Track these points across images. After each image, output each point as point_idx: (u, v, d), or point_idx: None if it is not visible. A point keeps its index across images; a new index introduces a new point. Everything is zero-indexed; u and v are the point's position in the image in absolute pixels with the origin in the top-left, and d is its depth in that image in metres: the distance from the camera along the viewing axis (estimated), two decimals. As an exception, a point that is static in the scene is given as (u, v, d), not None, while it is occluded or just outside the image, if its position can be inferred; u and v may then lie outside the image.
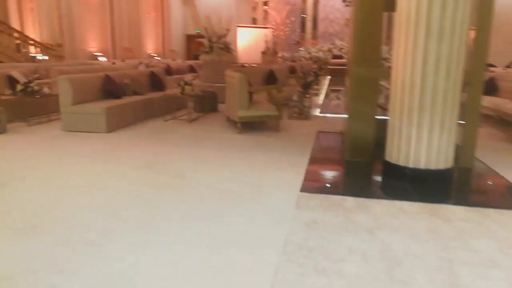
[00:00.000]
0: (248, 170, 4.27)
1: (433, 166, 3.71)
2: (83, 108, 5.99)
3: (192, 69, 16.37)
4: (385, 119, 4.39)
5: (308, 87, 8.07)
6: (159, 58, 22.94)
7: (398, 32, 3.76)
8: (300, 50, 26.46)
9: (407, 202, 3.34)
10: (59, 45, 13.27)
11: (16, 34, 12.05)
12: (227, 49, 10.53)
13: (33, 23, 14.37)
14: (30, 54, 12.49)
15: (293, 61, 26.19)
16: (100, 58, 17.92)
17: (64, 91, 5.98)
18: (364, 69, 4.57)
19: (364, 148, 4.69)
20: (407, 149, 3.77)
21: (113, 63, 14.58)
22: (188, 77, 7.26)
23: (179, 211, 3.12)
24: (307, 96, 8.22)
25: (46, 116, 6.94)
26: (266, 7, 28.23)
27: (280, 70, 9.88)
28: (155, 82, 8.41)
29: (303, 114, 7.76)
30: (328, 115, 8.43)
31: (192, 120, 7.23)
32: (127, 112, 6.56)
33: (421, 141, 3.69)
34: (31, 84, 6.47)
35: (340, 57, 25.71)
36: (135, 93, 7.46)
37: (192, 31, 27.65)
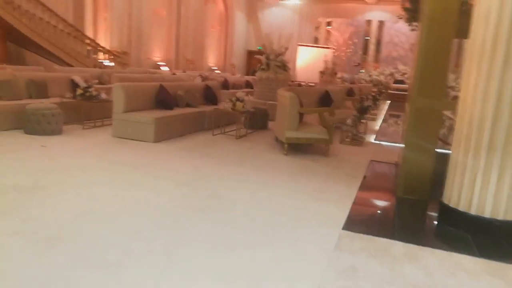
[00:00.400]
0: (288, 197, 3.99)
1: (500, 216, 3.22)
2: (133, 116, 6.06)
3: (248, 85, 16.45)
4: (446, 154, 3.95)
5: (364, 111, 7.66)
6: (219, 71, 23.42)
7: (470, 61, 3.35)
8: (361, 72, 25.83)
9: (467, 257, 2.89)
10: (125, 53, 13.89)
11: (88, 41, 12.80)
12: (284, 67, 10.38)
13: (105, 31, 15.23)
14: (99, 60, 13.19)
15: (352, 83, 25.62)
16: (162, 68, 18.61)
17: (118, 98, 6.10)
18: (427, 99, 4.15)
19: (420, 184, 4.24)
20: (470, 193, 3.32)
21: (173, 73, 15.00)
22: (240, 93, 7.16)
23: (207, 237, 2.91)
24: (363, 121, 7.80)
25: (100, 120, 7.14)
26: (329, 27, 28.01)
27: (336, 92, 9.54)
28: (209, 95, 8.42)
29: (356, 139, 7.35)
30: (383, 142, 7.94)
31: (240, 137, 7.10)
32: (176, 124, 6.56)
33: (488, 185, 3.23)
34: (90, 89, 6.69)
35: (402, 82, 24.75)
36: (188, 105, 7.49)
37: (254, 47, 28.05)
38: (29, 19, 11.08)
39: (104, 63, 13.39)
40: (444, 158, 3.80)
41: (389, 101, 20.84)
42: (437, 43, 4.08)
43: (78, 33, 12.42)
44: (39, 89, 6.87)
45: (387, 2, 24.65)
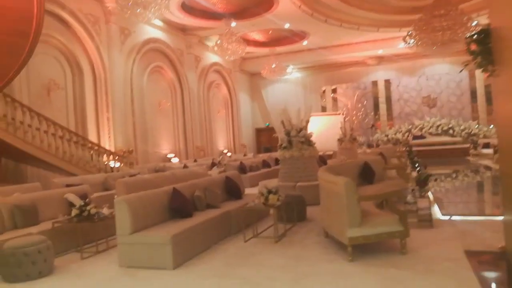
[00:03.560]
0: None
1: None
2: (144, 237, 4.65)
3: (266, 164, 15.23)
4: None
5: (425, 182, 6.20)
6: (230, 154, 22.44)
7: None
8: (376, 133, 24.74)
9: None
10: (130, 152, 12.90)
11: (90, 145, 11.88)
12: (308, 142, 9.15)
13: (108, 132, 14.48)
14: (105, 162, 12.19)
15: (369, 146, 24.43)
16: (172, 160, 17.60)
17: (121, 216, 4.75)
18: None
19: None
20: None
21: (185, 166, 13.88)
22: (272, 182, 5.82)
23: None
24: (424, 194, 6.30)
25: (104, 240, 5.72)
26: (333, 94, 27.54)
27: (376, 162, 8.17)
28: (231, 188, 7.07)
29: (425, 220, 5.80)
30: (456, 217, 6.36)
31: (279, 238, 5.59)
32: (198, 236, 5.11)
33: None
34: (88, 207, 5.38)
35: (421, 137, 23.50)
36: (208, 206, 6.11)
37: (261, 124, 27.43)
38: (25, 132, 10.23)
39: (110, 165, 12.34)
40: None
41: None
42: None
43: (79, 137, 11.52)
44: (26, 216, 5.58)
45: (389, 61, 24.39)
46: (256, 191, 9.28)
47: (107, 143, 14.00)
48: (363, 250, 4.59)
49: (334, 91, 27.40)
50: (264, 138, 27.74)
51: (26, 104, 10.63)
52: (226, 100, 24.50)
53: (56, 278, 4.51)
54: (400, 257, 4.42)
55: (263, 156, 18.64)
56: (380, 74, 25.62)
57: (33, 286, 4.26)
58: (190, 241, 4.91)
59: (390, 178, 8.46)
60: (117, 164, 12.67)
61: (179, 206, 5.42)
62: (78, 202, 5.42)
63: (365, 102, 26.61)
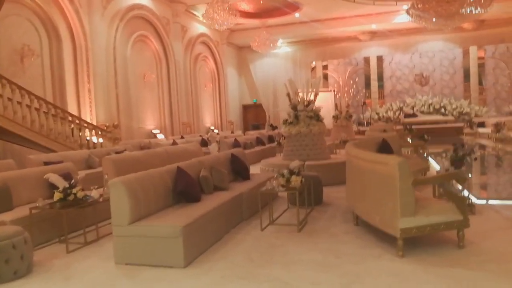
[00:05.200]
0: None
1: None
2: (146, 228, 3.76)
3: (260, 141, 14.37)
4: None
5: (461, 163, 5.46)
6: (217, 131, 21.46)
7: None
8: (367, 111, 24.13)
9: None
10: (115, 127, 11.79)
11: (70, 118, 10.70)
12: (317, 117, 8.31)
13: (90, 105, 13.28)
14: (86, 138, 11.07)
15: (360, 123, 23.84)
16: (158, 136, 16.54)
17: (117, 202, 3.83)
18: None
19: None
20: None
21: (174, 142, 12.89)
22: (295, 163, 4.98)
23: None
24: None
25: (94, 227, 4.81)
26: (324, 71, 26.63)
27: (393, 139, 7.40)
28: (238, 168, 6.21)
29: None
30: (495, 201, 5.70)
31: (302, 226, 4.79)
32: (210, 225, 4.25)
33: None
34: (74, 190, 4.42)
35: (413, 115, 23.01)
36: (216, 188, 5.24)
37: (249, 100, 26.42)
38: (-5, 102, 9.03)
39: (92, 141, 11.23)
40: None
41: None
42: None
43: (58, 110, 10.34)
44: (-3, 200, 4.59)
45: (382, 37, 23.52)
46: (257, 170, 8.53)
47: (88, 117, 12.82)
48: (409, 243, 3.82)
49: (325, 67, 26.51)
50: (251, 115, 26.80)
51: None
52: (213, 74, 23.31)
53: (36, 280, 3.58)
54: (459, 252, 3.68)
55: (254, 133, 17.77)
56: (373, 50, 24.80)
57: (7, 291, 3.34)
58: (202, 232, 4.05)
59: (406, 157, 7.75)
60: (100, 140, 11.57)
61: (186, 189, 4.53)
62: (61, 183, 4.46)
63: (357, 79, 25.87)
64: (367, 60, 25.52)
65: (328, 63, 26.49)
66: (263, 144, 14.31)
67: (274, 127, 22.87)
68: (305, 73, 25.78)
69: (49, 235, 4.71)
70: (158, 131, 17.13)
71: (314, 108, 8.27)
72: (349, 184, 5.00)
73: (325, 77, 26.20)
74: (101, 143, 11.45)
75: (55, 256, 4.19)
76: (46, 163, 7.56)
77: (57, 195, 4.35)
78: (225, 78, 23.95)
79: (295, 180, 4.74)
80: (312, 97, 8.49)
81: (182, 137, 15.80)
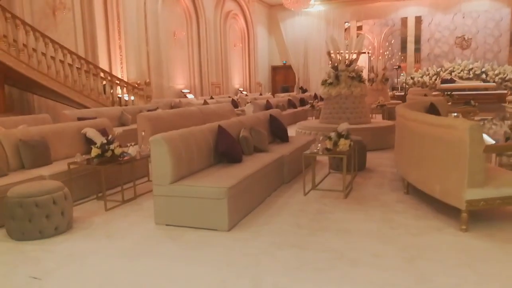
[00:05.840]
0: None
1: None
2: (189, 188, 3.55)
3: (291, 104, 13.96)
4: None
5: (524, 131, 4.98)
6: (245, 92, 21.08)
7: None
8: (401, 75, 23.07)
9: None
10: (147, 84, 11.60)
11: (102, 75, 10.55)
12: (359, 78, 7.82)
13: (121, 61, 13.09)
14: (118, 95, 10.96)
15: (393, 88, 22.88)
16: (188, 96, 16.34)
17: (159, 160, 3.62)
18: None
19: None
20: None
21: (205, 102, 12.66)
22: (343, 125, 4.64)
23: None
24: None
25: (131, 184, 4.70)
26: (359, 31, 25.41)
27: (441, 103, 6.89)
28: (277, 129, 5.92)
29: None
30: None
31: (348, 191, 4.51)
32: (253, 187, 4.03)
33: None
34: (111, 147, 4.26)
35: (450, 81, 21.85)
36: (255, 149, 4.98)
37: (278, 61, 25.67)
38: (29, 56, 8.91)
39: (124, 98, 11.11)
40: None
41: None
42: None
43: (90, 66, 10.18)
44: (35, 154, 4.48)
45: (422, -5, 21.99)
46: (291, 132, 8.22)
47: (119, 74, 12.68)
48: (471, 216, 3.48)
49: (359, 28, 25.27)
50: (280, 76, 26.10)
51: (28, 23, 9.17)
52: (243, 33, 22.62)
53: (77, 236, 3.48)
54: (530, 228, 3.33)
55: (285, 95, 17.31)
56: (411, 10, 23.30)
57: (48, 246, 3.25)
58: (245, 194, 3.83)
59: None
60: (132, 98, 11.44)
61: (228, 149, 4.28)
62: (99, 139, 4.29)
63: (392, 41, 24.61)
64: (404, 21, 24.10)
65: (363, 24, 25.22)
66: (295, 106, 13.90)
67: (304, 90, 22.26)
68: (338, 33, 24.66)
69: (86, 191, 4.61)
70: (188, 91, 16.90)
71: (356, 68, 7.77)
72: (400, 150, 4.64)
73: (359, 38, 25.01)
74: (132, 100, 11.33)
75: (93, 213, 4.09)
76: (80, 119, 7.49)
77: (94, 151, 4.19)
78: (255, 37, 23.23)
79: (344, 144, 4.42)
80: (354, 57, 7.98)
81: (211, 98, 15.55)
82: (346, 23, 24.77)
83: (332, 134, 4.54)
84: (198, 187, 3.53)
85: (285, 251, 3.02)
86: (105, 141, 4.27)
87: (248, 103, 9.21)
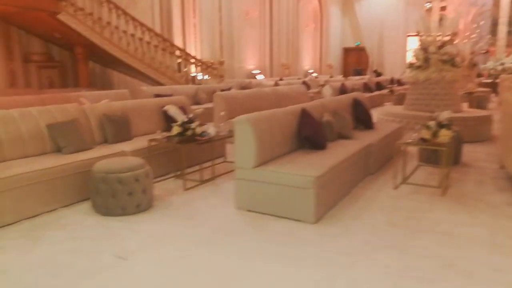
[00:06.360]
0: None
1: None
2: (274, 174, 3.30)
3: (367, 88, 13.19)
4: None
5: None
6: (316, 74, 20.42)
7: None
8: (488, 61, 20.93)
9: None
10: (221, 63, 11.54)
11: (178, 53, 10.66)
12: (452, 61, 7.04)
13: (195, 40, 13.18)
14: (192, 74, 11.04)
15: (479, 75, 20.90)
16: (258, 77, 16.14)
17: (243, 142, 3.40)
18: None
19: None
20: None
21: (276, 83, 12.35)
22: (445, 114, 4.11)
23: None
24: None
25: (209, 164, 4.59)
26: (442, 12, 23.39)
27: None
28: (361, 115, 5.46)
29: None
30: None
31: (445, 187, 4.01)
32: (340, 177, 3.69)
33: None
34: (192, 125, 4.13)
35: (548, 68, 19.40)
36: (340, 137, 4.61)
37: (351, 43, 24.54)
38: (111, 33, 9.18)
39: (197, 77, 11.18)
40: None
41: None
42: None
43: (167, 44, 10.30)
44: (117, 128, 4.50)
45: (521, -30, 19.58)
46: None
47: (193, 53, 12.77)
48: None
49: (443, 8, 23.26)
50: (353, 59, 24.93)
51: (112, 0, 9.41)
52: (315, 13, 21.85)
53: (158, 215, 3.41)
54: None
55: (358, 79, 16.47)
56: (506, -12, 20.98)
57: (130, 224, 3.20)
58: (332, 184, 3.51)
59: None
60: (205, 77, 11.47)
61: (313, 134, 3.97)
62: (180, 117, 4.18)
63: (482, 22, 22.37)
64: (496, 0, 21.77)
65: (448, 3, 23.15)
66: (371, 91, 13.12)
67: (378, 74, 21.11)
68: (418, 14, 22.89)
69: (164, 169, 4.56)
70: (259, 72, 16.71)
71: (449, 50, 6.99)
72: (509, 143, 4.02)
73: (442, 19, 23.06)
74: (205, 79, 11.36)
75: (173, 192, 4.02)
76: (157, 96, 7.56)
77: (176, 129, 4.09)
78: (328, 17, 22.34)
79: (445, 135, 3.91)
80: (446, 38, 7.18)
81: (281, 79, 15.22)
82: (428, 4, 22.91)
83: (431, 123, 4.03)
84: (283, 173, 3.27)
85: (382, 254, 2.68)
86: (186, 119, 4.15)
87: (322, 85, 8.74)
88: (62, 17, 7.97)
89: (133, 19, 9.56)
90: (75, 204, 3.65)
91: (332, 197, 3.52)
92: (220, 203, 3.70)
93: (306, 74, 20.31)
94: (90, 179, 3.43)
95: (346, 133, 4.70)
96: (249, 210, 3.45)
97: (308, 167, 3.32)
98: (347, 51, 25.11)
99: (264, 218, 3.31)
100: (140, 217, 3.36)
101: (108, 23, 9.19)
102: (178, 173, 4.48)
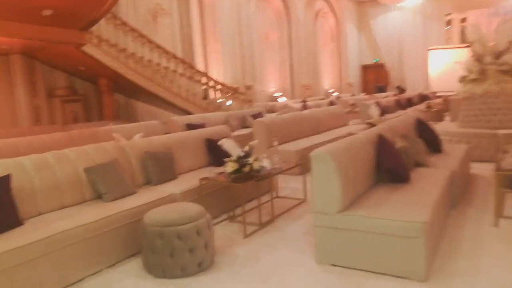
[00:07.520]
0: None
1: None
2: (367, 221, 2.68)
3: (400, 105, 12.57)
4: None
5: None
6: (337, 93, 19.89)
7: None
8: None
9: None
10: (249, 88, 11.10)
11: (204, 79, 10.25)
12: (512, 72, 6.41)
13: (217, 66, 12.83)
14: (217, 101, 10.61)
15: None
16: (279, 99, 15.67)
17: (322, 181, 2.80)
18: None
19: None
20: None
21: (304, 106, 11.83)
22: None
23: None
24: None
25: (257, 201, 3.97)
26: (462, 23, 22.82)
27: None
28: (427, 137, 4.83)
29: None
30: None
31: (555, 224, 3.33)
32: (438, 218, 3.03)
33: None
34: (249, 160, 3.56)
35: None
36: (416, 164, 3.98)
37: (368, 60, 24.05)
38: (136, 62, 8.83)
39: (224, 103, 10.71)
40: None
41: None
42: None
43: (193, 70, 9.91)
44: (161, 167, 3.96)
45: (543, -23, 19.01)
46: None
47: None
48: None
49: (463, 20, 22.72)
50: (371, 76, 24.38)
51: (136, 29, 9.09)
52: (332, 32, 21.53)
53: (224, 276, 2.80)
54: None
55: (383, 95, 15.86)
56: (529, -5, 20.37)
57: (193, 288, 2.60)
58: (435, 228, 2.86)
59: None
60: (229, 102, 11.01)
61: (396, 165, 3.35)
62: (236, 151, 3.62)
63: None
64: (519, 8, 21.14)
65: (468, 15, 22.62)
66: (403, 107, 12.49)
67: (401, 90, 20.49)
68: (437, 28, 22.40)
69: (215, 211, 3.97)
70: (280, 94, 16.25)
71: (509, 60, 6.37)
72: None
73: (464, 31, 22.46)
74: (230, 105, 10.89)
75: (232, 241, 3.42)
76: (188, 125, 7.11)
77: (231, 165, 3.53)
78: (345, 36, 21.98)
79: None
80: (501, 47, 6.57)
81: (303, 101, 14.70)
82: (448, 16, 22.41)
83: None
84: (379, 219, 2.65)
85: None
86: (242, 153, 3.59)
87: (373, 104, 8.16)
88: (87, 48, 7.65)
89: (158, 46, 9.22)
90: (121, 261, 3.08)
91: (435, 244, 2.88)
92: (294, 255, 3.07)
93: (327, 93, 19.83)
94: (143, 234, 2.86)
95: (421, 159, 4.08)
96: (333, 265, 2.83)
97: (407, 210, 2.70)
98: (365, 68, 24.63)
99: (355, 275, 2.67)
100: (203, 279, 2.76)
101: (133, 53, 8.85)
102: (231, 214, 3.90)
